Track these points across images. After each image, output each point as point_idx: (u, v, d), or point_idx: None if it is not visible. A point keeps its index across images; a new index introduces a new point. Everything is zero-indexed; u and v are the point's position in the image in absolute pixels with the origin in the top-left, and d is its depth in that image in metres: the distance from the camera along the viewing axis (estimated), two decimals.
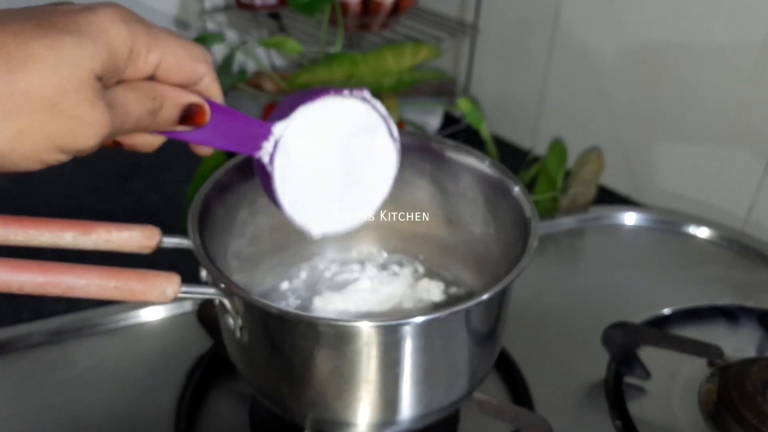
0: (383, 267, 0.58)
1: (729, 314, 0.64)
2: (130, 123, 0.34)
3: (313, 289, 0.56)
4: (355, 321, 0.39)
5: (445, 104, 0.99)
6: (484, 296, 0.41)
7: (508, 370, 0.58)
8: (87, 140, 0.32)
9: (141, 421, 0.54)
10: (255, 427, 0.54)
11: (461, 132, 0.99)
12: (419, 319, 0.39)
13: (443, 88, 0.98)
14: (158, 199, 0.86)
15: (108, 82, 0.32)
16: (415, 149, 0.54)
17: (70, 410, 0.54)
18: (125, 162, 0.92)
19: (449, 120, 1.01)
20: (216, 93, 0.38)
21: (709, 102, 0.75)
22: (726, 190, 0.77)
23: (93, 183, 0.88)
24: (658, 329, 0.61)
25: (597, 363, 0.59)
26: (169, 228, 0.77)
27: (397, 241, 0.59)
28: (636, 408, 0.55)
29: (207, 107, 0.37)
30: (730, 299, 0.65)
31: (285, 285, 0.56)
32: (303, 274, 0.57)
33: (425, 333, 0.41)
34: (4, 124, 0.29)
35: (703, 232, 0.75)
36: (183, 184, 0.89)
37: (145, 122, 0.34)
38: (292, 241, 0.57)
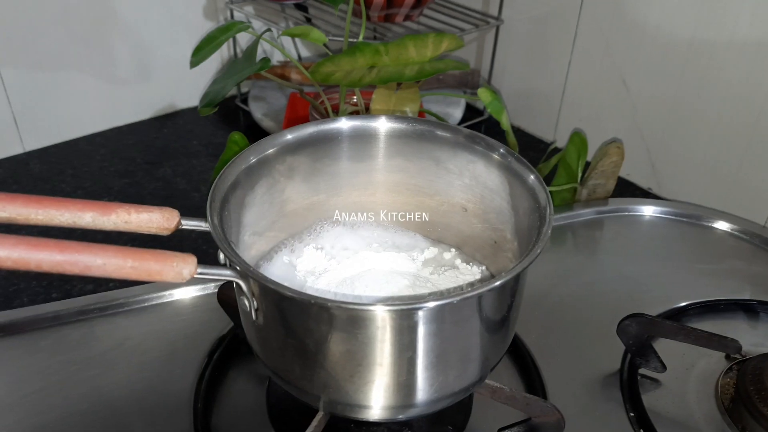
0: (398, 252, 0.58)
1: (748, 309, 0.64)
2: None
3: (328, 270, 0.56)
4: (367, 304, 0.40)
5: (468, 96, 0.99)
6: (497, 282, 0.41)
7: (522, 359, 0.58)
8: None
9: (161, 398, 0.55)
10: (271, 408, 0.55)
11: (483, 123, 0.99)
12: (432, 304, 0.40)
13: (466, 80, 0.98)
14: (185, 184, 0.88)
15: None
16: (431, 137, 0.55)
17: (93, 387, 0.56)
18: (154, 149, 0.94)
19: (472, 111, 1.02)
20: None
21: (733, 96, 0.75)
22: (748, 184, 0.76)
23: (123, 168, 0.90)
24: (675, 322, 0.61)
25: (612, 354, 0.59)
26: (195, 212, 0.79)
27: (412, 228, 0.59)
28: (651, 400, 0.55)
29: None
30: (749, 294, 0.65)
31: (301, 265, 0.57)
32: (320, 255, 0.58)
33: (438, 318, 0.42)
34: None
35: (723, 226, 0.74)
36: (209, 172, 0.91)
37: None
38: (310, 222, 0.58)
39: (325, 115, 0.79)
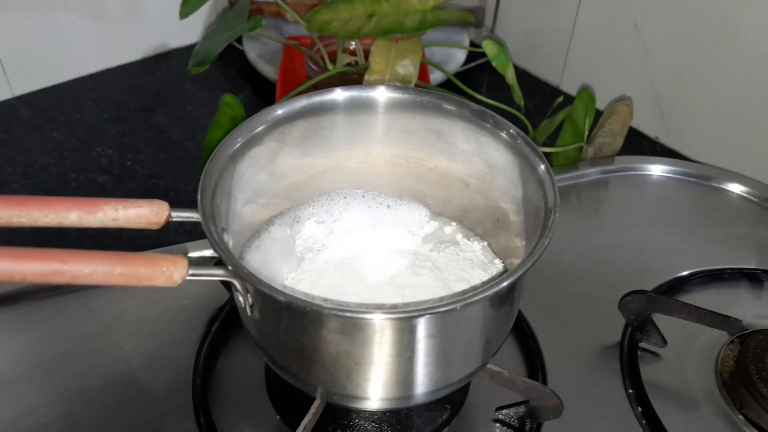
0: (397, 227, 0.57)
1: (753, 278, 0.62)
2: None
3: (327, 246, 0.55)
4: (364, 312, 0.38)
5: (472, 36, 0.95)
6: (504, 284, 0.40)
7: (521, 331, 0.58)
8: None
9: (160, 371, 0.55)
10: (270, 379, 0.55)
11: (487, 64, 0.95)
12: (434, 311, 0.39)
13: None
14: (180, 133, 0.86)
15: None
16: (434, 109, 0.52)
17: (91, 363, 0.55)
18: (147, 93, 0.91)
19: (476, 52, 0.98)
20: None
21: (751, 44, 0.71)
22: (761, 139, 0.73)
23: (116, 115, 0.88)
24: (678, 297, 0.60)
25: (613, 326, 0.58)
26: (189, 164, 0.76)
27: (412, 200, 0.58)
28: (650, 375, 0.55)
29: None
30: (755, 262, 0.63)
31: (299, 240, 0.55)
32: (318, 230, 0.56)
33: (439, 322, 0.41)
34: None
35: (733, 187, 0.71)
36: (203, 119, 0.88)
37: None
38: (307, 196, 0.56)
39: (321, 65, 0.76)
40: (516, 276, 0.40)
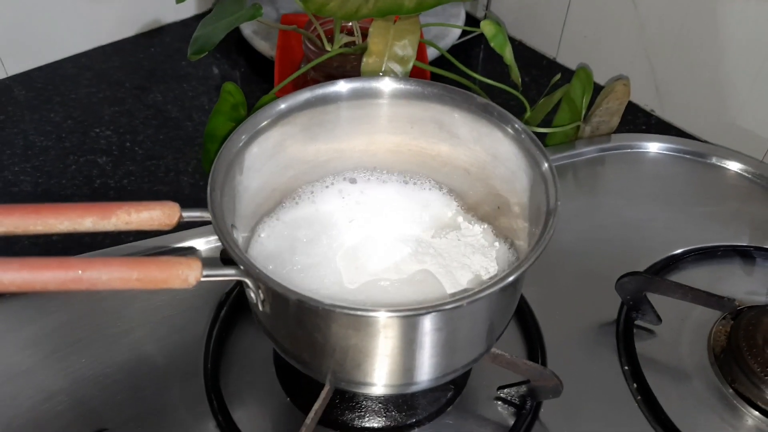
0: (399, 212, 0.58)
1: (745, 255, 0.64)
2: None
3: (329, 235, 0.56)
4: (372, 311, 0.40)
5: (468, 7, 0.94)
6: (509, 278, 0.41)
7: (520, 311, 0.60)
8: None
9: (172, 356, 0.57)
10: (279, 361, 0.56)
11: (483, 37, 0.95)
12: (439, 309, 0.40)
13: None
14: (177, 112, 0.86)
15: None
16: (438, 99, 0.53)
17: (103, 348, 0.57)
18: (142, 71, 0.91)
19: (472, 22, 0.98)
20: None
21: (748, 16, 0.71)
22: (755, 114, 0.74)
23: (112, 94, 0.87)
24: (673, 274, 0.62)
25: (609, 304, 0.60)
26: (188, 143, 0.76)
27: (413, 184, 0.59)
28: (645, 352, 0.57)
29: None
30: (748, 239, 0.65)
31: (304, 231, 0.56)
32: (322, 219, 0.57)
33: (444, 318, 0.42)
34: None
35: (728, 164, 0.73)
36: (201, 97, 0.88)
37: None
38: (311, 185, 0.57)
39: (319, 46, 0.76)
40: (520, 271, 0.42)
